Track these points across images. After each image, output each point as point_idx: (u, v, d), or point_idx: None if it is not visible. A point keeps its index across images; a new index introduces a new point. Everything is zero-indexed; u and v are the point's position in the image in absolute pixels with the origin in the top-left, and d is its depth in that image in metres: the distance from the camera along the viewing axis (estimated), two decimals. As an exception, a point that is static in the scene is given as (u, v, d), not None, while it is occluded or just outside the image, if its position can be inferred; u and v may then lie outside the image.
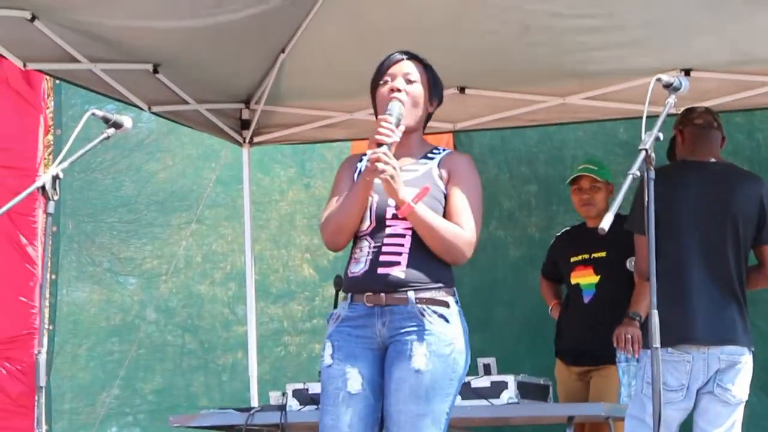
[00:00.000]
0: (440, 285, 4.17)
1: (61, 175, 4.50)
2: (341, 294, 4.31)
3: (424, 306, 4.14)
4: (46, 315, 7.87)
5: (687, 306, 5.22)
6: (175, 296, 8.08)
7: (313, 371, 6.04)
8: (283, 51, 6.41)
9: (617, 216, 3.92)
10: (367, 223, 4.19)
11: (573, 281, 6.38)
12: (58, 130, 7.88)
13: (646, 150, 4.02)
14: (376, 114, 4.29)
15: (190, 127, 6.90)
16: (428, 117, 4.36)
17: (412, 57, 4.37)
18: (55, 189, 4.47)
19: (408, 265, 4.14)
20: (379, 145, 4.07)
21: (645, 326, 5.12)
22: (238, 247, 7.61)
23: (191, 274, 8.09)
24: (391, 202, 4.14)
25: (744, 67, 6.24)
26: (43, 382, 4.45)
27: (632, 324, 5.80)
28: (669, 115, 4.18)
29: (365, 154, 4.26)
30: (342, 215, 4.20)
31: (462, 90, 6.64)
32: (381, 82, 4.31)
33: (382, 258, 4.14)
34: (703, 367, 5.19)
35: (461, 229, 4.16)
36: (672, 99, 4.21)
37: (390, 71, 4.32)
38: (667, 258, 5.20)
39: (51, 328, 7.88)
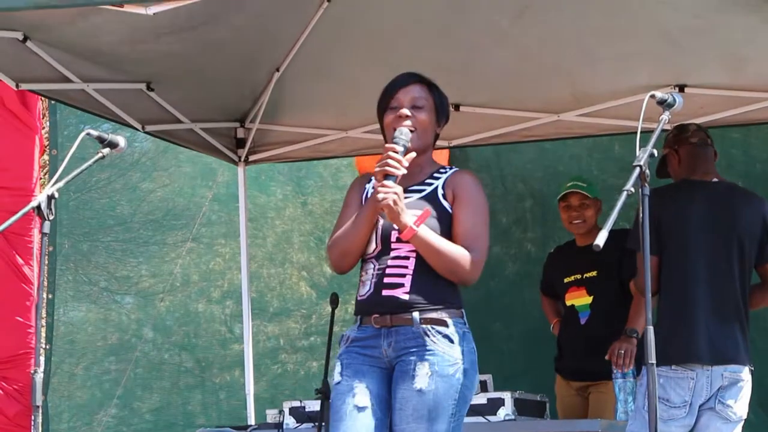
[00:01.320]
0: (445, 306, 4.21)
1: (56, 195, 4.52)
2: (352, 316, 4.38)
3: (429, 326, 4.17)
4: (43, 334, 7.87)
5: (694, 324, 5.23)
6: (172, 315, 8.06)
7: (310, 389, 6.01)
8: (277, 69, 6.40)
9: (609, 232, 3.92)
10: (372, 246, 4.25)
11: (568, 303, 6.39)
12: (53, 150, 7.87)
13: (641, 166, 4.03)
14: (384, 137, 4.33)
15: (185, 146, 6.90)
16: (436, 136, 4.41)
17: (419, 80, 4.40)
18: (50, 209, 4.48)
19: (411, 287, 4.19)
20: (386, 176, 4.13)
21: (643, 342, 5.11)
22: (235, 265, 7.59)
23: (188, 292, 8.08)
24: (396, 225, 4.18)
25: (737, 83, 6.24)
26: (39, 402, 4.47)
27: (628, 340, 5.79)
28: (663, 131, 4.19)
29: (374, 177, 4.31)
30: (347, 240, 4.26)
31: (457, 107, 6.64)
32: (388, 108, 4.35)
33: (386, 280, 4.21)
34: (707, 384, 5.20)
35: (465, 250, 4.19)
36: (666, 115, 4.22)
37: (397, 96, 4.35)
38: (676, 275, 5.22)
39: (48, 347, 7.87)
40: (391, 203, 4.10)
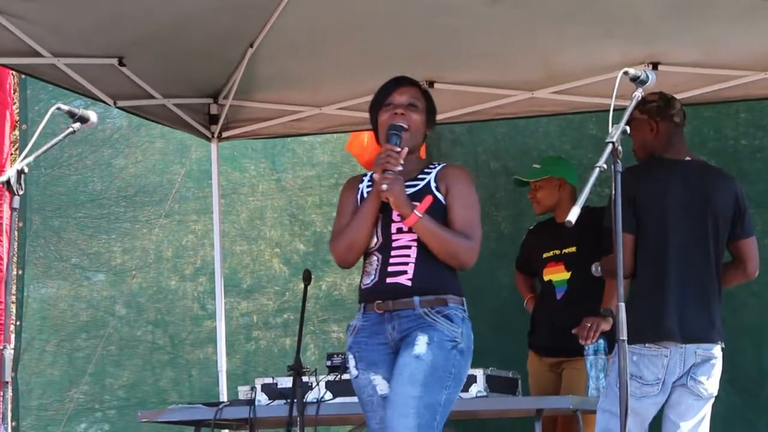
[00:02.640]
0: (445, 290, 4.45)
1: (26, 170, 4.50)
2: (356, 305, 4.56)
3: (428, 308, 4.41)
4: (13, 311, 7.82)
5: (668, 303, 5.25)
6: (144, 291, 8.04)
7: (282, 366, 6.02)
8: (251, 45, 6.36)
9: (585, 209, 3.92)
10: (375, 239, 4.50)
11: (546, 278, 6.41)
12: (24, 125, 7.83)
13: (614, 143, 4.03)
14: (376, 133, 4.60)
15: (157, 122, 6.86)
16: (424, 137, 4.64)
17: (413, 83, 4.66)
18: (20, 184, 4.46)
19: (414, 273, 4.43)
20: (384, 171, 4.39)
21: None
22: (208, 241, 7.57)
23: (160, 269, 8.06)
24: (396, 218, 4.46)
25: (710, 61, 6.25)
26: (8, 378, 4.45)
27: (601, 317, 5.80)
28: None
29: (365, 176, 4.64)
30: (352, 234, 4.50)
31: (431, 84, 6.62)
32: (383, 105, 4.58)
33: (390, 269, 4.45)
34: (680, 362, 5.22)
35: (464, 236, 4.44)
36: (639, 92, 4.22)
37: (393, 95, 4.59)
38: (652, 254, 5.24)
39: (18, 323, 7.83)
40: (396, 191, 4.36)
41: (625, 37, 6.02)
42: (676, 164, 5.40)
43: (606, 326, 5.78)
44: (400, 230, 4.46)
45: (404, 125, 4.50)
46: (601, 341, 5.71)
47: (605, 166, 4.00)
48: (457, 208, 4.49)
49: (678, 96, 6.34)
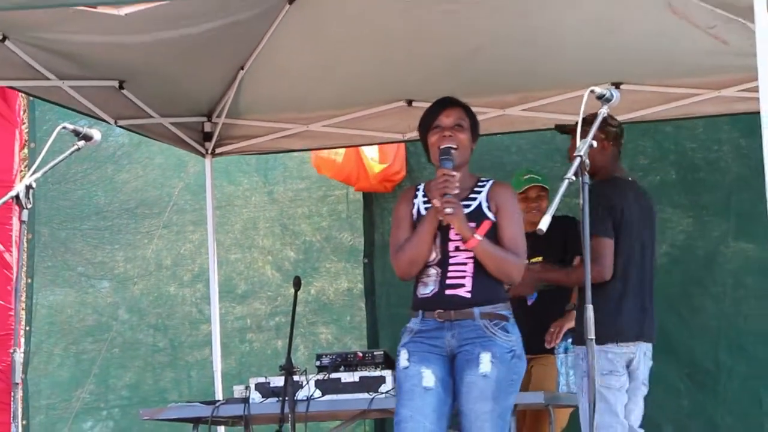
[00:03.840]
0: (499, 301, 4.58)
1: (34, 185, 4.49)
2: (411, 311, 4.68)
3: (487, 320, 4.53)
4: (23, 316, 7.79)
5: (641, 307, 5.37)
6: (146, 297, 8.02)
7: (274, 366, 6.00)
8: (242, 68, 6.37)
9: (552, 218, 3.92)
10: (434, 255, 4.59)
11: (516, 287, 6.38)
12: (32, 144, 7.81)
13: (581, 156, 4.03)
14: (427, 153, 4.67)
15: (155, 139, 6.85)
16: (471, 153, 4.73)
17: (458, 104, 4.72)
18: (28, 198, 4.46)
19: (472, 287, 4.55)
20: (443, 194, 4.48)
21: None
22: (204, 250, 7.55)
23: (161, 276, 8.03)
24: (453, 237, 4.55)
25: (669, 80, 6.27)
26: (18, 379, 4.44)
27: (568, 316, 5.83)
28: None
29: (418, 189, 4.72)
30: (414, 252, 4.59)
31: (410, 103, 6.63)
32: (432, 128, 4.65)
33: (449, 281, 4.56)
34: (643, 358, 5.38)
35: (515, 255, 4.58)
36: (605, 109, 4.24)
37: (441, 118, 4.66)
38: (627, 261, 5.36)
39: (28, 329, 7.80)
40: (458, 217, 4.48)
41: (590, 59, 6.03)
42: (629, 183, 5.53)
43: (570, 324, 5.80)
44: (457, 248, 4.56)
45: (453, 146, 4.56)
46: (569, 340, 5.71)
47: (573, 177, 4.00)
48: (506, 227, 4.60)
49: (639, 113, 6.44)
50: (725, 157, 7.12)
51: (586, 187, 4.07)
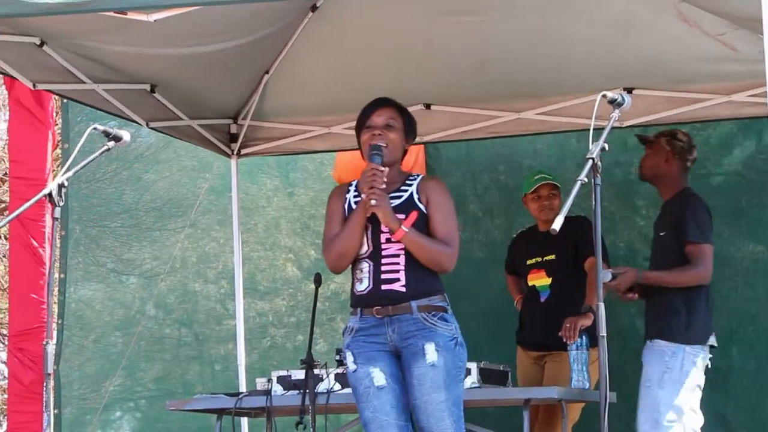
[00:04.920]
0: (434, 292, 4.51)
1: (66, 184, 4.51)
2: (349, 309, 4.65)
3: (425, 313, 4.46)
4: (55, 310, 7.84)
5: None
6: (172, 293, 8.05)
7: (295, 360, 6.02)
8: (267, 72, 6.40)
9: (565, 219, 3.92)
10: (365, 247, 4.51)
11: (530, 283, 6.40)
12: (65, 144, 7.85)
13: (593, 159, 4.03)
14: (361, 151, 4.62)
15: (184, 140, 6.88)
16: (405, 151, 4.70)
17: (391, 104, 4.68)
18: (60, 196, 4.49)
19: (406, 280, 4.48)
20: (371, 187, 4.43)
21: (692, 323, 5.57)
22: (229, 248, 7.58)
23: (187, 273, 8.06)
24: (385, 229, 4.48)
25: (680, 86, 6.27)
26: (50, 370, 4.46)
27: (583, 316, 5.83)
28: (614, 128, 4.20)
29: (350, 185, 4.65)
30: (343, 244, 4.53)
31: (428, 106, 6.64)
32: (364, 127, 4.63)
33: (383, 276, 4.49)
34: None
35: (446, 245, 4.50)
36: (616, 113, 4.25)
37: (372, 118, 4.63)
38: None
39: (60, 322, 7.85)
40: (384, 208, 4.42)
41: (603, 65, 6.05)
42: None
43: (586, 322, 5.80)
44: (388, 240, 4.49)
45: (383, 144, 4.53)
46: (584, 337, 5.71)
47: (585, 179, 4.00)
48: (437, 219, 4.53)
49: (650, 117, 6.44)
50: (735, 161, 7.12)
51: (599, 189, 4.07)
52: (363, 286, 4.52)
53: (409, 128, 4.69)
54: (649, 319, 5.72)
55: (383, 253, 4.50)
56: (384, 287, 4.48)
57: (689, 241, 5.57)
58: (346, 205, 4.63)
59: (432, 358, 4.40)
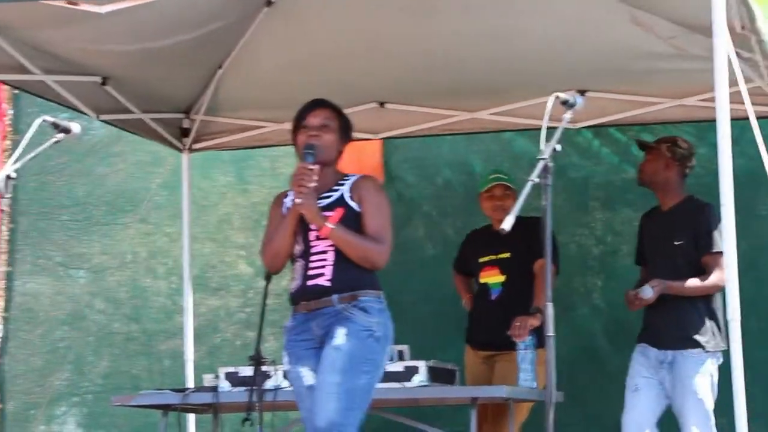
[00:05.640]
0: (361, 287, 4.47)
1: (13, 176, 4.45)
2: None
3: (346, 303, 4.45)
4: (1, 303, 7.76)
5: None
6: (122, 288, 8.00)
7: (244, 357, 5.98)
8: (220, 67, 6.36)
9: (518, 218, 3.93)
10: (298, 247, 4.55)
11: (482, 280, 6.40)
12: (16, 136, 7.77)
13: (545, 159, 4.03)
14: (298, 153, 4.62)
15: (135, 134, 6.83)
16: (340, 152, 4.67)
17: (326, 105, 4.67)
18: (7, 188, 4.40)
19: (332, 275, 4.48)
20: (300, 187, 4.43)
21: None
22: (180, 244, 7.53)
23: (137, 268, 8.02)
24: (314, 227, 4.50)
25: (633, 88, 6.30)
26: (-7, 363, 4.37)
27: (531, 316, 5.85)
28: (566, 129, 4.21)
29: (290, 191, 4.61)
30: (275, 244, 4.57)
31: (382, 104, 6.63)
32: (300, 128, 4.62)
33: (310, 272, 4.51)
34: None
35: (375, 241, 4.49)
36: (569, 115, 4.24)
37: (308, 118, 4.63)
38: None
39: (5, 315, 7.76)
40: (309, 207, 4.43)
41: (556, 67, 6.06)
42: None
43: (535, 322, 5.82)
44: (318, 238, 4.50)
45: (317, 144, 4.52)
46: (531, 337, 5.73)
47: (537, 180, 4.01)
48: (369, 216, 4.52)
49: (603, 119, 6.46)
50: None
51: (549, 189, 4.07)
52: (294, 284, 4.56)
53: (345, 129, 4.69)
54: (669, 329, 5.75)
55: (312, 250, 4.52)
56: (310, 283, 4.50)
57: (711, 252, 5.70)
58: (284, 209, 4.65)
59: (338, 341, 4.38)
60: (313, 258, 4.51)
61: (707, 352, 5.65)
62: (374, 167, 7.45)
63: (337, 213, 4.48)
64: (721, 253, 5.55)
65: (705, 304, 5.71)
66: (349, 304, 4.44)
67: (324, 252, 4.50)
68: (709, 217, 5.72)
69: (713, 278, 5.67)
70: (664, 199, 5.90)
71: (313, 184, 4.44)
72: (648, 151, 5.95)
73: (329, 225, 4.44)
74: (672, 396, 5.66)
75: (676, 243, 5.78)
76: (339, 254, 4.48)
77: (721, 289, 5.67)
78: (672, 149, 5.87)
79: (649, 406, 5.68)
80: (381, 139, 7.12)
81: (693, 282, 5.70)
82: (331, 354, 4.38)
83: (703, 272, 5.70)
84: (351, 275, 4.48)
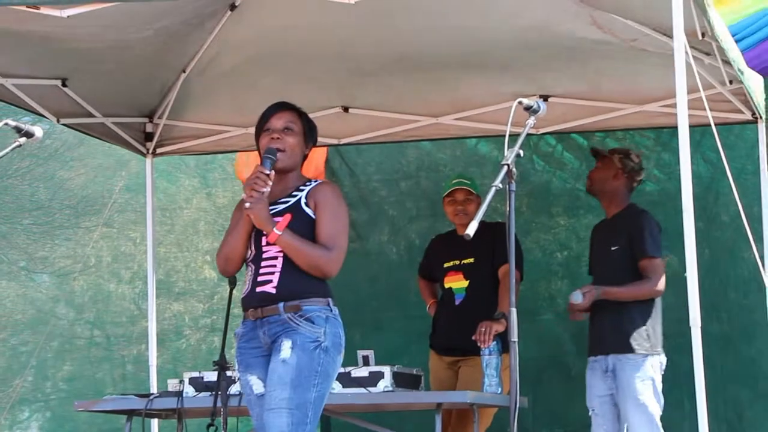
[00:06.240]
0: (308, 295, 4.38)
1: (-27, 180, 4.39)
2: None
3: (292, 313, 4.35)
4: (-38, 308, 7.71)
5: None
6: (86, 293, 7.96)
7: (209, 362, 5.96)
8: (184, 71, 6.31)
9: (482, 224, 3.92)
10: (249, 251, 4.45)
11: (446, 285, 6.38)
12: (-23, 140, 7.69)
13: (508, 165, 4.02)
14: (260, 156, 4.52)
15: (97, 137, 6.76)
16: (305, 156, 4.59)
17: (290, 108, 4.59)
18: (-32, 192, 4.36)
19: (279, 282, 4.37)
20: (252, 190, 4.35)
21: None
22: (144, 248, 7.48)
23: (101, 273, 7.97)
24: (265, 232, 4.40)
25: (595, 94, 6.32)
26: (-45, 369, 4.32)
27: (495, 321, 5.84)
28: (529, 134, 4.20)
29: None
30: (227, 248, 4.49)
31: (345, 109, 6.61)
32: (263, 131, 4.54)
33: (259, 279, 4.40)
34: None
35: (326, 249, 4.39)
36: (532, 120, 4.23)
37: (270, 122, 4.54)
38: None
39: (-33, 320, 7.71)
40: (257, 212, 4.32)
41: (519, 73, 6.06)
42: None
43: (500, 328, 5.81)
44: (269, 243, 4.40)
45: (279, 148, 4.45)
46: (496, 342, 5.73)
47: (500, 185, 3.99)
48: (322, 223, 4.43)
49: (565, 125, 6.48)
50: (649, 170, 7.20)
51: (512, 195, 4.06)
52: (244, 289, 4.48)
53: (309, 133, 4.60)
54: (605, 334, 5.78)
55: (263, 256, 4.41)
56: (257, 289, 4.39)
57: (645, 256, 5.74)
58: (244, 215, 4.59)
59: (285, 354, 4.29)
60: (263, 264, 4.40)
61: (643, 355, 5.68)
62: (316, 172, 7.42)
63: (285, 219, 4.38)
64: (656, 257, 5.72)
65: (639, 309, 5.74)
66: (294, 314, 4.34)
67: (274, 258, 4.39)
68: (644, 222, 5.79)
69: (649, 283, 5.73)
70: (609, 207, 5.98)
71: (265, 190, 4.35)
72: (600, 159, 6.00)
73: (276, 231, 4.35)
74: (617, 403, 5.72)
75: (612, 248, 5.85)
76: (288, 261, 4.37)
77: (659, 294, 5.74)
78: (623, 161, 5.94)
79: (613, 428, 5.77)
80: (341, 145, 7.09)
81: (629, 287, 5.75)
82: (279, 368, 4.28)
83: (641, 277, 5.74)
84: (299, 282, 4.37)
